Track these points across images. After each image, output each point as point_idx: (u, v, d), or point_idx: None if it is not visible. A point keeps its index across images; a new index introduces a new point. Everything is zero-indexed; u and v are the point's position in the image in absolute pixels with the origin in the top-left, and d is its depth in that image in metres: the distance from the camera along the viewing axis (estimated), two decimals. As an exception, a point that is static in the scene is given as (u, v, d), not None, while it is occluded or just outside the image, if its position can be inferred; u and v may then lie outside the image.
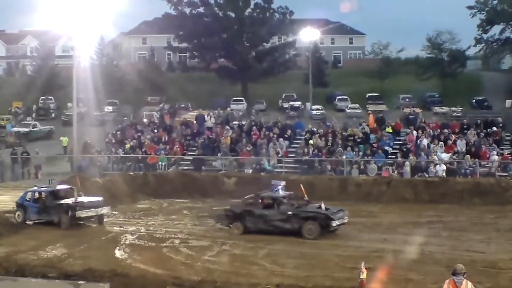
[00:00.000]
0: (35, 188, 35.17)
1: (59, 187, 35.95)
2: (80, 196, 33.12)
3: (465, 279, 15.60)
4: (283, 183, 34.11)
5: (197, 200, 42.80)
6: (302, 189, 32.63)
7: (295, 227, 30.49)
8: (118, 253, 26.97)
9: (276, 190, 32.98)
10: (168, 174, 48.74)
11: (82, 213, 32.27)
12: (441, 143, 50.79)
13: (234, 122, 62.19)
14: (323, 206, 30.81)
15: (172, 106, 75.79)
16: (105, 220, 34.29)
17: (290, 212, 30.70)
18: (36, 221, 33.36)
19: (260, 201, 32.28)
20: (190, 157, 53.10)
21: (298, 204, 31.60)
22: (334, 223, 29.90)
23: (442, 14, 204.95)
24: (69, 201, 32.56)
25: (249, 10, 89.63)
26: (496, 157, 47.75)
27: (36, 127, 72.34)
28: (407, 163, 47.72)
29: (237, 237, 31.38)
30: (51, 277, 20.40)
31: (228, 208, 33.21)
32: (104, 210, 33.97)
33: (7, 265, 21.47)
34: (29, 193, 34.07)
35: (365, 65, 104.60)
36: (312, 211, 30.73)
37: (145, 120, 66.16)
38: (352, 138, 52.88)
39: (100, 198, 34.24)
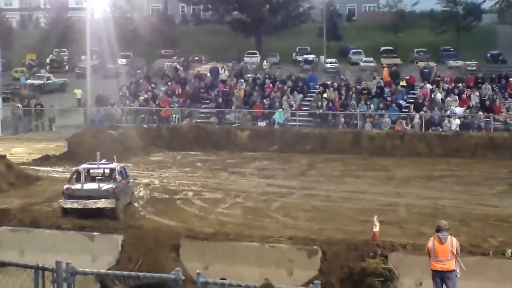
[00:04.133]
0: None
1: None
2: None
3: (449, 235, 15.74)
4: None
5: (210, 152, 42.77)
6: None
7: None
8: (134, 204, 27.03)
9: None
10: (182, 126, 48.60)
11: None
12: (455, 97, 50.65)
13: (248, 75, 61.99)
14: None
15: (186, 59, 75.42)
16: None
17: None
18: None
19: None
20: (204, 110, 53.07)
21: None
22: None
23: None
24: None
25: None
26: (510, 112, 47.68)
27: (50, 80, 72.24)
28: (420, 116, 47.52)
29: (250, 189, 31.44)
30: (65, 228, 20.49)
31: None
32: None
33: (22, 216, 21.56)
34: None
35: (380, 18, 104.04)
36: None
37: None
38: (366, 91, 52.72)
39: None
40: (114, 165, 26.25)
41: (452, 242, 15.73)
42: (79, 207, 22.78)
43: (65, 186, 24.32)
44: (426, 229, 21.19)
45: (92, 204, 22.75)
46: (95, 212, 22.45)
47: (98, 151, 29.19)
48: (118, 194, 24.07)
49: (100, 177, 25.66)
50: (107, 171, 25.86)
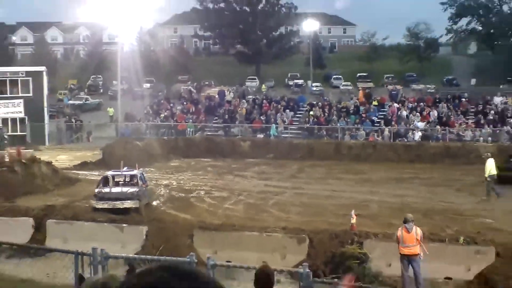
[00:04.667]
0: None
1: None
2: None
3: (414, 226, 15.83)
4: None
5: (218, 159, 42.82)
6: None
7: None
8: (154, 202, 26.99)
9: None
10: (195, 138, 48.91)
11: None
12: (417, 114, 50.85)
13: (249, 97, 62.12)
14: None
15: (198, 84, 75.49)
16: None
17: None
18: None
19: None
20: (213, 124, 53.15)
21: None
22: None
23: (419, 8, 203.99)
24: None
25: (261, 5, 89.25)
26: (462, 126, 47.86)
27: (88, 100, 72.19)
28: (389, 129, 47.71)
29: (250, 189, 31.42)
30: (100, 221, 20.45)
31: None
32: None
33: (65, 212, 21.53)
34: None
35: (356, 50, 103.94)
36: None
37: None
38: (344, 109, 52.92)
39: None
40: (136, 171, 26.17)
41: (417, 231, 15.78)
42: (109, 207, 22.72)
43: (96, 190, 24.37)
44: (394, 221, 21.12)
45: (120, 204, 22.76)
46: (122, 211, 22.43)
47: (122, 160, 29.15)
48: (140, 196, 24.09)
49: (124, 182, 25.54)
50: (129, 177, 25.78)
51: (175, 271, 0.80)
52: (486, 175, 28.59)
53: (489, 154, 30.32)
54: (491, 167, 28.62)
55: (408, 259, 15.68)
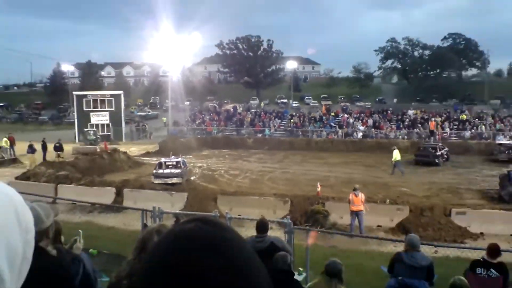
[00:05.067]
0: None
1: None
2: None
3: (360, 192, 15.82)
4: None
5: (233, 150, 42.80)
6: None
7: None
8: (192, 177, 27.02)
9: None
10: (218, 136, 48.84)
11: None
12: (360, 121, 50.70)
13: (252, 110, 62.04)
14: None
15: (220, 102, 75.40)
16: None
17: None
18: None
19: None
20: (230, 128, 53.17)
21: None
22: None
23: (362, 53, 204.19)
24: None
25: (260, 51, 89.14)
26: (388, 128, 47.80)
27: (150, 112, 72.45)
28: (341, 131, 47.73)
29: (253, 169, 31.42)
30: (157, 189, 20.47)
31: None
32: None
33: (135, 183, 21.56)
34: None
35: (320, 80, 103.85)
36: None
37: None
38: (313, 118, 52.82)
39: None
40: (179, 159, 26.28)
41: (362, 196, 15.76)
42: (162, 182, 22.74)
43: (154, 171, 24.66)
44: (345, 189, 21.14)
45: (169, 180, 22.79)
46: (171, 184, 22.45)
47: (171, 151, 29.22)
48: (183, 175, 24.18)
49: (172, 166, 25.48)
50: (176, 162, 25.74)
51: (206, 220, 0.83)
52: (393, 160, 28.88)
53: (395, 147, 30.62)
54: (396, 155, 28.83)
55: (356, 214, 15.64)
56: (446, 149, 35.33)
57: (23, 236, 0.92)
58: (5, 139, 34.32)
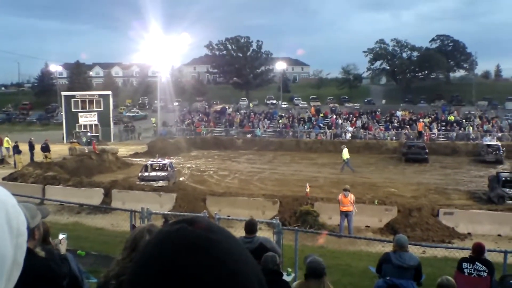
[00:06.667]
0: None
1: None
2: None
3: (350, 193, 15.83)
4: None
5: (222, 151, 42.74)
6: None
7: None
8: (181, 178, 26.93)
9: None
10: (207, 137, 48.66)
11: None
12: (348, 122, 50.91)
13: (242, 110, 61.98)
14: None
15: (209, 102, 75.28)
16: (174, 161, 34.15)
17: None
18: None
19: None
20: (219, 128, 53.07)
21: None
22: None
23: (351, 54, 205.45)
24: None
25: (249, 52, 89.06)
26: (377, 129, 48.07)
27: (138, 113, 72.08)
28: (330, 132, 47.86)
29: (242, 169, 31.40)
30: (146, 190, 20.35)
31: None
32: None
33: (124, 183, 21.44)
34: None
35: (309, 81, 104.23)
36: None
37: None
38: (302, 119, 52.92)
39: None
40: (166, 161, 25.98)
41: (351, 196, 15.78)
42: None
43: (139, 174, 24.37)
44: (333, 190, 21.25)
45: (155, 184, 22.53)
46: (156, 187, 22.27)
47: (158, 153, 29.02)
48: (169, 178, 23.96)
49: (158, 168, 25.18)
50: (162, 164, 25.45)
51: (195, 220, 0.83)
52: (344, 158, 29.71)
53: (344, 146, 31.32)
54: (345, 154, 29.79)
55: (345, 214, 15.67)
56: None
57: (13, 239, 0.90)
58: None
